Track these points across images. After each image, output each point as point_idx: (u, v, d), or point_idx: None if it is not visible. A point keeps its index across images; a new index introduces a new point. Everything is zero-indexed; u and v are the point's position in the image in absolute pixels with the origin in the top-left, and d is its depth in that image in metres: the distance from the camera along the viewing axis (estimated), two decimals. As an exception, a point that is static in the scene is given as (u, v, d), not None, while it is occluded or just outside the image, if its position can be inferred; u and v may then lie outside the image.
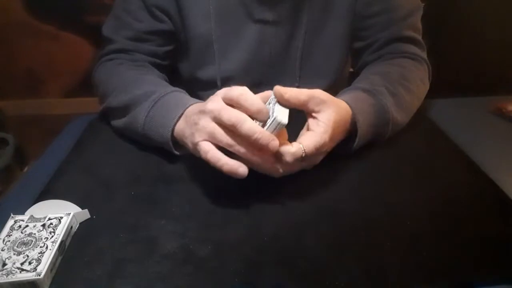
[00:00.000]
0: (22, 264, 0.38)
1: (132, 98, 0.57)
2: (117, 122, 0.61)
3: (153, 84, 0.60)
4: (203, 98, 0.53)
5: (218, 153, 0.44)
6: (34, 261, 0.38)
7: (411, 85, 0.63)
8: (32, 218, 0.44)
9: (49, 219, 0.43)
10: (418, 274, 0.39)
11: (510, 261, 0.40)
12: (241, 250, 0.42)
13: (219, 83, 0.73)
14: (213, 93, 0.47)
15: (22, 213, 0.45)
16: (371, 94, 0.57)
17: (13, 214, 0.44)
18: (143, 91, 0.57)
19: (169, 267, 0.40)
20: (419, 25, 0.71)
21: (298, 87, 0.72)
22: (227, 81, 0.72)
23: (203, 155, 0.45)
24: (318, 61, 0.73)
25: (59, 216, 0.44)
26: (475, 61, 1.32)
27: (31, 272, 0.37)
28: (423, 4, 0.71)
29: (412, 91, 0.62)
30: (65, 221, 0.43)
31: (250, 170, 0.47)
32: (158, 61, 0.71)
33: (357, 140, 0.53)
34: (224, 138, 0.44)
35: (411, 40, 0.70)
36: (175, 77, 0.75)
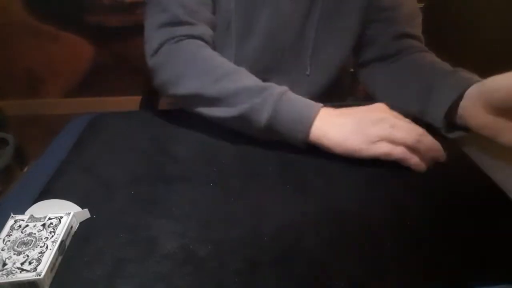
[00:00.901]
0: (22, 264, 0.38)
1: (243, 88, 0.56)
2: (215, 111, 0.58)
3: (258, 80, 0.58)
4: None
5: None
6: (34, 261, 0.38)
7: None
8: (32, 218, 0.43)
9: (49, 218, 0.43)
10: (418, 274, 0.39)
11: (510, 261, 0.40)
12: (241, 250, 0.42)
13: None
14: None
15: (22, 213, 0.45)
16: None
17: (13, 214, 0.44)
18: (255, 83, 0.56)
19: (169, 267, 0.40)
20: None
21: (308, 76, 0.73)
22: (239, 66, 0.73)
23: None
24: (329, 51, 0.74)
25: (59, 215, 0.44)
26: (475, 61, 1.31)
27: (31, 272, 0.37)
28: (422, 5, 0.73)
29: None
30: (65, 221, 0.43)
31: (247, 169, 0.47)
32: (212, 33, 0.68)
33: None
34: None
35: (419, 39, 0.72)
36: None
